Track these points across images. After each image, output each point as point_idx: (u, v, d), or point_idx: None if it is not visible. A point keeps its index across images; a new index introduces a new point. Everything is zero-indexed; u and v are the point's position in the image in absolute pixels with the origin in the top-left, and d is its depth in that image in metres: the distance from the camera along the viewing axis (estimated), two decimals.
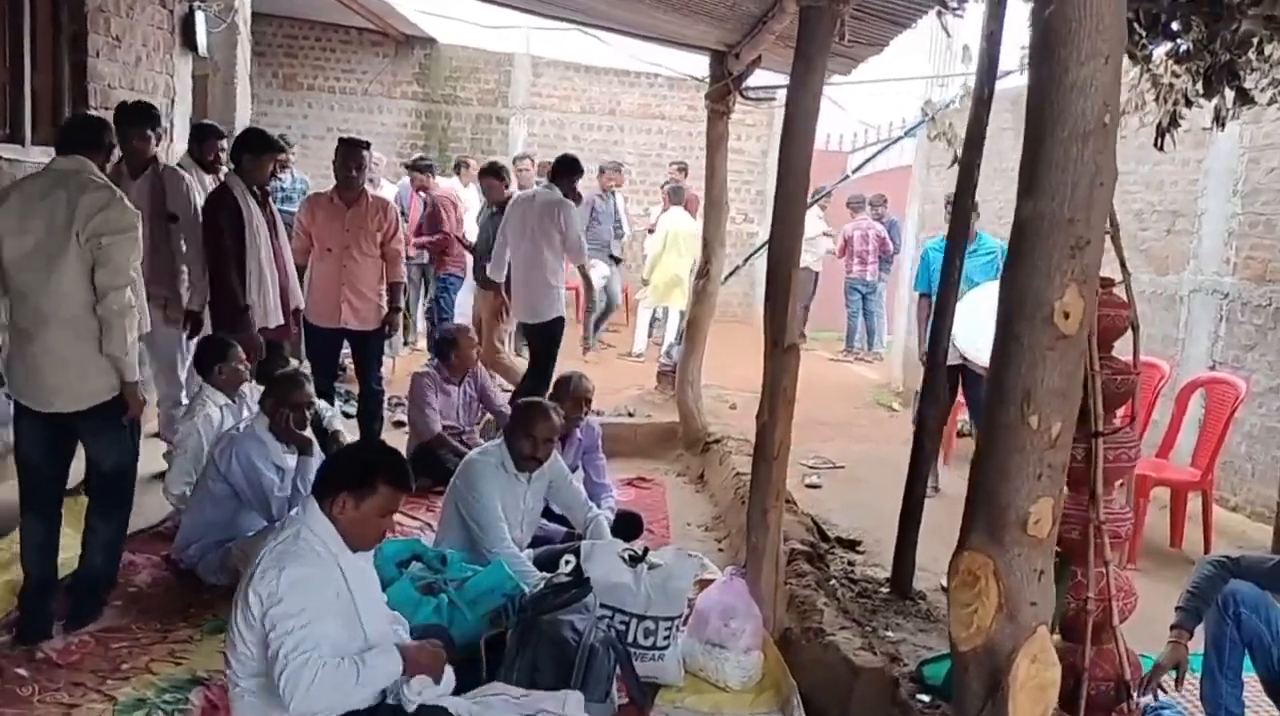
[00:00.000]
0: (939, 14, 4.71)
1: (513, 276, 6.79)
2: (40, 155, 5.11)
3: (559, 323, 6.72)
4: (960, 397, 6.41)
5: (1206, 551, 5.28)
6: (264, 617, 2.57)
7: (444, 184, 9.60)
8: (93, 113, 5.03)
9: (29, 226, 3.55)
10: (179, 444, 4.85)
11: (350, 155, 5.87)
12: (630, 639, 3.47)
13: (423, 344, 9.29)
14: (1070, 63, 1.65)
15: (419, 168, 9.15)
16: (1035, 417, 1.72)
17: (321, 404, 5.39)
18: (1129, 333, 3.28)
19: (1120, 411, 3.30)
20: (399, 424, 6.66)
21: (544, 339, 6.71)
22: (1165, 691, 3.31)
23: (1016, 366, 1.74)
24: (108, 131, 3.97)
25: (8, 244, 3.56)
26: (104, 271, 3.55)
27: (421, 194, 8.99)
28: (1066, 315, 1.71)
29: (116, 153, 4.46)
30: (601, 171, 10.52)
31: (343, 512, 2.72)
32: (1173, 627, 3.28)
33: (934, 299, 6.40)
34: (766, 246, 4.20)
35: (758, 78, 6.66)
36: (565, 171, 6.79)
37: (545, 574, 3.64)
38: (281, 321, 5.42)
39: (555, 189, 6.74)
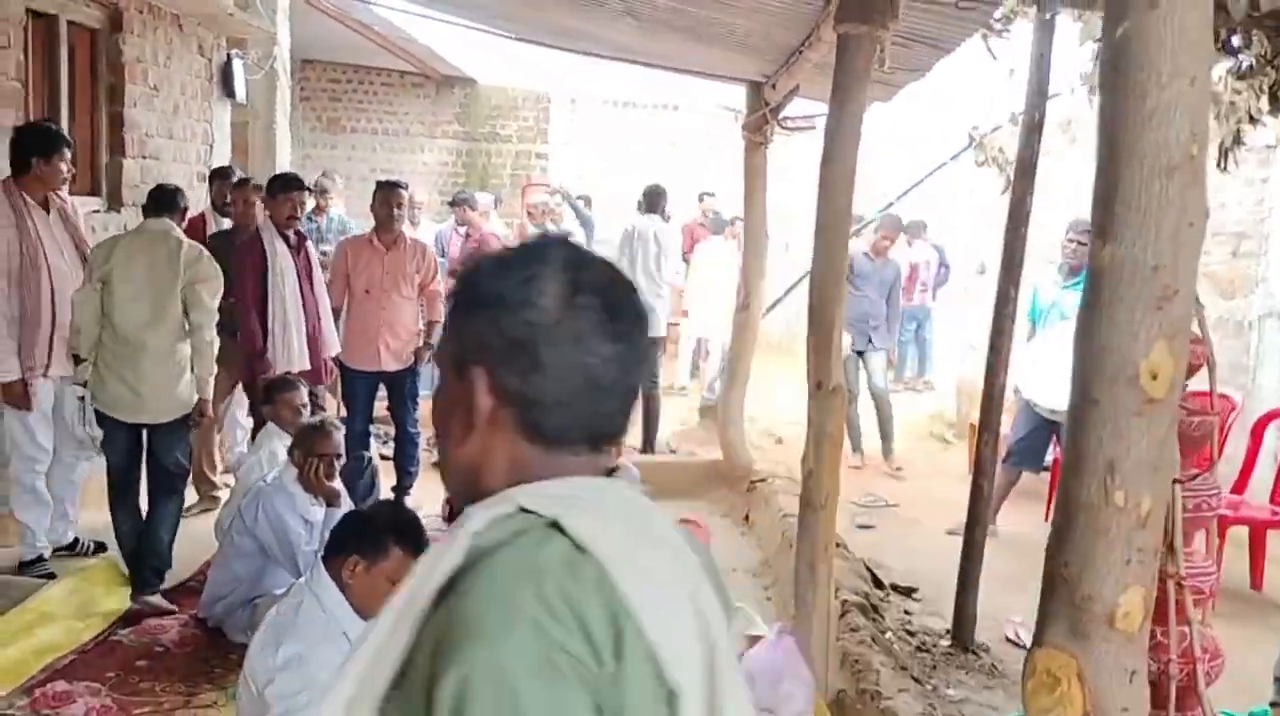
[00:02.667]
0: (984, 37, 4.52)
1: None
2: (79, 205, 5.07)
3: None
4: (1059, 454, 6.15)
5: None
6: (261, 696, 2.42)
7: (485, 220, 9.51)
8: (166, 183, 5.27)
9: (133, 274, 4.40)
10: (240, 479, 4.85)
11: (389, 196, 5.85)
12: None
13: None
14: (1149, 87, 1.43)
15: (458, 202, 9.09)
16: (1121, 494, 1.49)
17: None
18: (1204, 369, 3.06)
19: (1198, 456, 3.07)
20: (436, 465, 6.54)
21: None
22: None
23: (1097, 435, 1.51)
24: (181, 196, 4.84)
25: (118, 289, 4.39)
26: (196, 311, 4.47)
27: (462, 228, 8.92)
28: (1155, 376, 1.48)
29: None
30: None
31: (353, 576, 2.58)
32: (1273, 705, 3.01)
33: (1037, 328, 6.34)
34: (807, 278, 4.02)
35: (796, 106, 6.50)
36: (657, 199, 7.98)
37: None
38: (308, 366, 5.33)
39: (656, 217, 7.81)
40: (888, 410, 7.84)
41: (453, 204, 9.27)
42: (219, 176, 6.13)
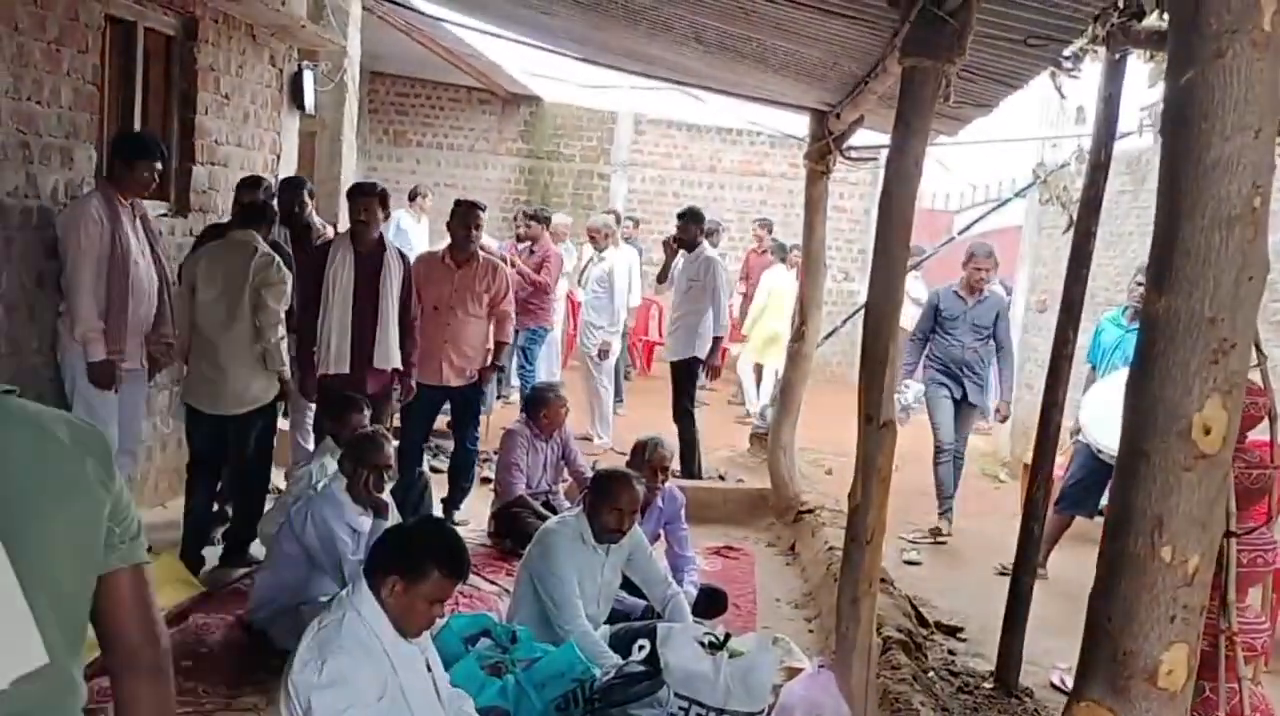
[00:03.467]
0: (1052, 75, 4.47)
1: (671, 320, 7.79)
2: (148, 209, 5.21)
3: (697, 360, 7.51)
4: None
5: None
6: (306, 713, 2.43)
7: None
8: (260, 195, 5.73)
9: (214, 279, 4.95)
10: (288, 486, 4.99)
11: (468, 216, 5.97)
12: None
13: (515, 398, 9.25)
14: (1213, 137, 1.40)
15: (540, 218, 9.07)
16: (1168, 550, 1.45)
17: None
18: (1265, 421, 2.99)
19: (1255, 509, 2.99)
20: (485, 480, 6.58)
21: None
22: None
23: (1146, 489, 1.47)
24: (271, 210, 5.37)
25: (200, 292, 4.95)
26: (261, 314, 4.95)
27: (523, 245, 8.97)
28: (1207, 430, 1.44)
29: None
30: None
31: (391, 595, 2.59)
32: None
33: (1097, 372, 6.22)
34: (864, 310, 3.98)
35: (860, 137, 6.48)
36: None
37: (618, 658, 3.44)
38: (347, 370, 5.37)
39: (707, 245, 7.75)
40: (956, 474, 6.96)
41: (533, 219, 9.33)
42: (290, 187, 6.21)
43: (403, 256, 5.64)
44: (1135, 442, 1.51)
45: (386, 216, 5.77)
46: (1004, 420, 7.27)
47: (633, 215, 11.95)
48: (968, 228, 10.32)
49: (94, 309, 4.56)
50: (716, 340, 7.39)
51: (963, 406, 6.91)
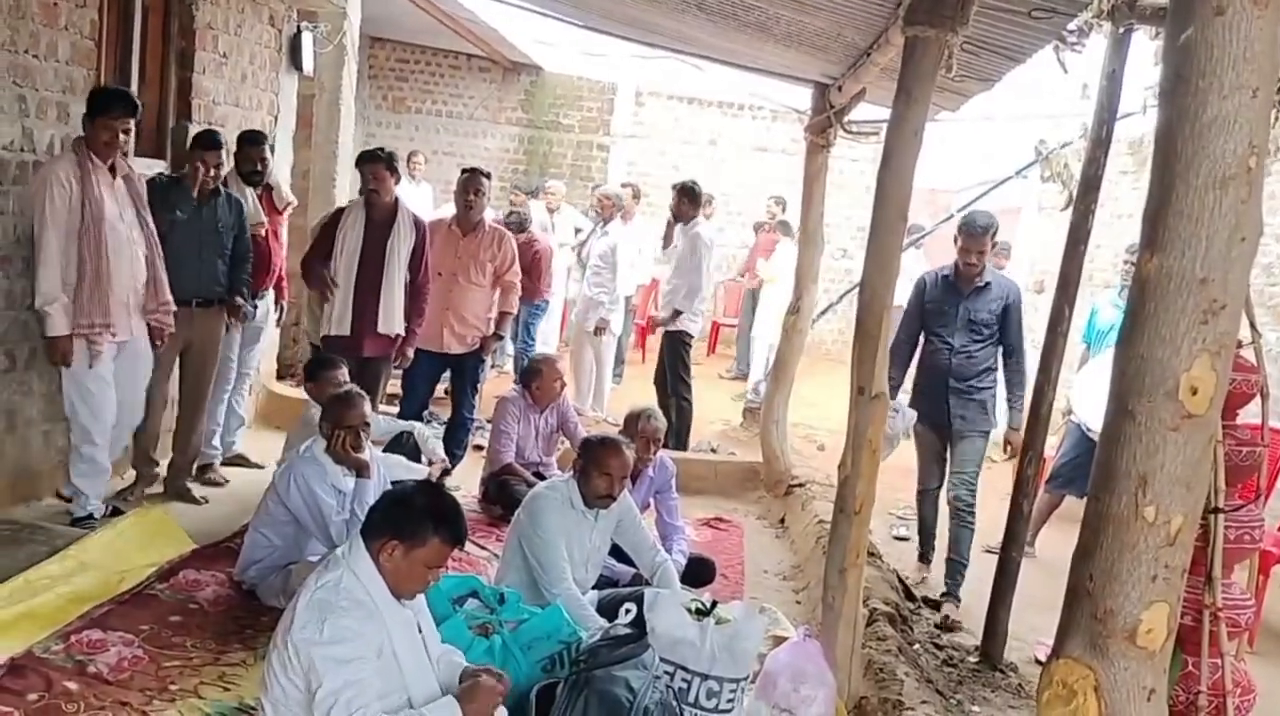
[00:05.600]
0: (1056, 49, 4.43)
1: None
2: (143, 167, 5.18)
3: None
4: None
5: None
6: (308, 671, 2.46)
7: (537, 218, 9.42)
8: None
9: None
10: (284, 448, 4.96)
11: (467, 184, 5.99)
12: (691, 699, 3.25)
13: (509, 367, 9.24)
14: (1210, 95, 1.39)
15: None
16: (1152, 509, 1.45)
17: (420, 428, 5.36)
18: (1257, 399, 2.99)
19: (1243, 486, 2.99)
20: (478, 447, 6.59)
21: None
22: None
23: (1131, 449, 1.47)
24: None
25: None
26: None
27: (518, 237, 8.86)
28: (1195, 391, 1.44)
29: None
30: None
31: (389, 559, 2.59)
32: None
33: (1091, 352, 6.10)
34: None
35: (862, 111, 6.44)
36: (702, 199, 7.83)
37: (604, 622, 3.45)
38: (347, 332, 5.46)
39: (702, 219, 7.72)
40: (961, 533, 5.17)
41: (531, 194, 9.31)
42: (251, 141, 5.80)
43: (418, 223, 5.64)
44: (1122, 401, 1.50)
45: (397, 181, 5.70)
46: (1014, 455, 5.00)
47: (631, 186, 11.88)
48: (967, 205, 10.26)
49: (56, 280, 4.40)
50: (676, 312, 7.44)
51: (953, 436, 5.19)
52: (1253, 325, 2.90)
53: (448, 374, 6.34)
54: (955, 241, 5.22)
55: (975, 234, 5.12)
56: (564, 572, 3.83)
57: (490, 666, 2.96)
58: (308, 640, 2.48)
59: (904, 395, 5.51)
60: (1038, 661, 4.57)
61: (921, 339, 5.35)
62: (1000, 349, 5.22)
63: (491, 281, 6.06)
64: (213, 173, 5.20)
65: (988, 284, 5.20)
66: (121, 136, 4.56)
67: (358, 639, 2.51)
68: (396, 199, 5.61)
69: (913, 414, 5.25)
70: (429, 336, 5.87)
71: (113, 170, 4.62)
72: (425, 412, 6.38)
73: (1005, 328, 5.18)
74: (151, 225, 4.79)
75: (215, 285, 5.28)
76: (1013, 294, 5.26)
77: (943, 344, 5.21)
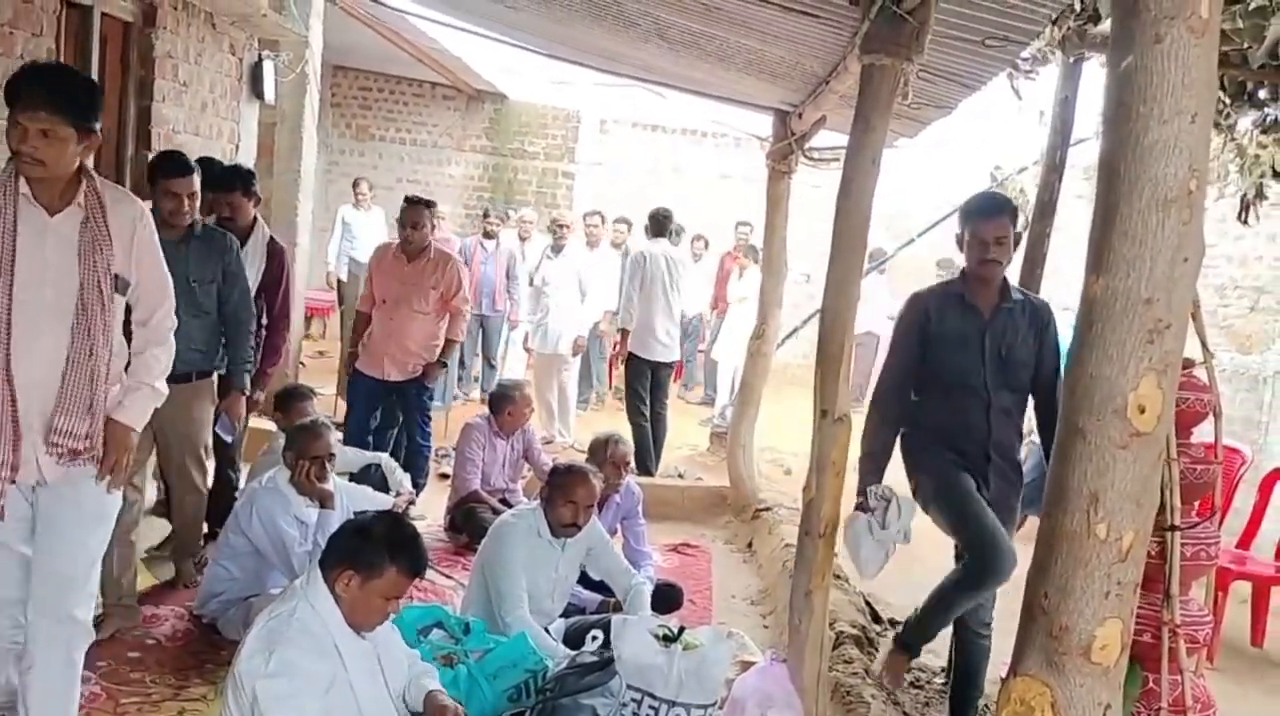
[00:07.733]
0: (1010, 77, 4.53)
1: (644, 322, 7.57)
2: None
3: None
4: None
5: None
6: (253, 703, 2.41)
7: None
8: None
9: None
10: (248, 480, 4.88)
11: (405, 215, 5.91)
12: None
13: (476, 394, 9.21)
14: (1151, 121, 1.43)
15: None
16: (1103, 526, 1.48)
17: (387, 460, 5.30)
18: (1211, 418, 3.04)
19: (1199, 503, 3.05)
20: (444, 476, 6.54)
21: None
22: None
23: (1082, 467, 1.50)
24: None
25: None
26: None
27: (491, 242, 9.06)
28: (1142, 409, 1.47)
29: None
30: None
31: (346, 590, 2.56)
32: None
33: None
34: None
35: (823, 138, 6.51)
36: (664, 223, 7.82)
37: (563, 649, 3.43)
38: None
39: (664, 241, 7.77)
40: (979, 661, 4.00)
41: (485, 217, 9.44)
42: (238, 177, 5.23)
43: (272, 246, 5.08)
44: (1072, 420, 1.54)
45: (257, 203, 5.14)
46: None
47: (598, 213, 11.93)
48: (927, 229, 10.40)
49: None
50: (623, 331, 7.62)
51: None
52: (1204, 345, 2.97)
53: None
54: (959, 242, 3.72)
55: (988, 214, 3.60)
56: (519, 600, 3.80)
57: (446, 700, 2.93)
58: (253, 671, 2.44)
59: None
60: (1003, 681, 4.59)
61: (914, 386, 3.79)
62: (1032, 399, 3.66)
63: (437, 307, 5.89)
64: (185, 206, 4.15)
65: (1017, 303, 3.65)
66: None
67: (301, 674, 2.46)
68: (255, 218, 5.09)
69: (913, 507, 3.72)
70: (371, 362, 5.87)
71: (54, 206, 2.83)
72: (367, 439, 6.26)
73: (1042, 362, 3.61)
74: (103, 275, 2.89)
75: (191, 352, 4.07)
76: (1047, 317, 3.71)
77: (972, 398, 3.59)
